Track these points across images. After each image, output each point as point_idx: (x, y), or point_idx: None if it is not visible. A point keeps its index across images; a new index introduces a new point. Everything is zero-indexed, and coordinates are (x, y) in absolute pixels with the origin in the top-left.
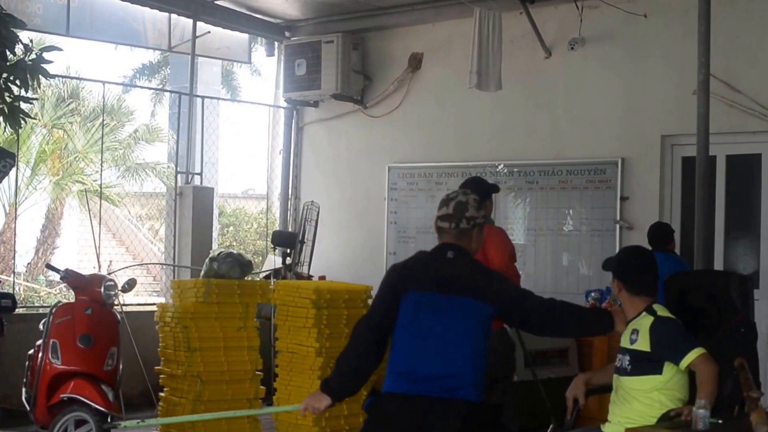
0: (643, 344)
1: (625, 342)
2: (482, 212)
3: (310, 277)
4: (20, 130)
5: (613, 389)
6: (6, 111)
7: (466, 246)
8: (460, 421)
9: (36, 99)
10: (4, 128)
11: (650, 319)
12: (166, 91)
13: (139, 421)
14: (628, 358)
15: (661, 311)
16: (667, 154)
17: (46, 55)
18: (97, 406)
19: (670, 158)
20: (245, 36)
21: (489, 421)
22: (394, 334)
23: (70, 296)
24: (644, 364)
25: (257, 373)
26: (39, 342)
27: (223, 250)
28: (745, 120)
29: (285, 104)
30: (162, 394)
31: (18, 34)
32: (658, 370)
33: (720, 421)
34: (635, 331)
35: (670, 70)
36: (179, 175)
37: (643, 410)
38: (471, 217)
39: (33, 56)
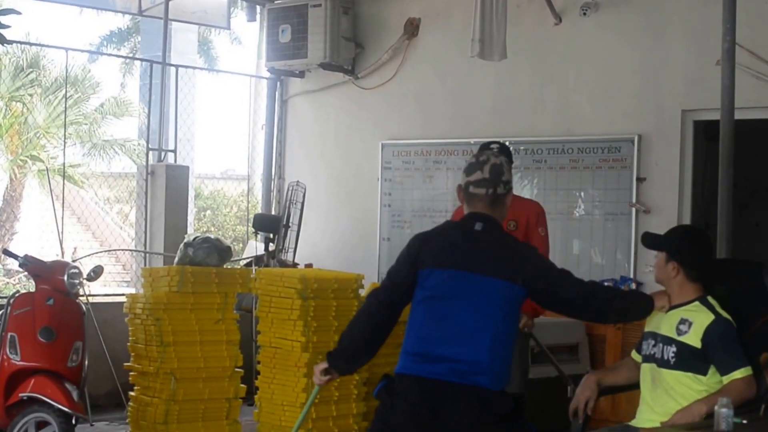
0: (694, 339)
1: (669, 331)
2: (511, 175)
3: (295, 265)
4: None
5: (644, 380)
6: None
7: (497, 215)
8: (476, 408)
9: None
10: None
11: (709, 315)
12: (137, 59)
13: None
14: (674, 349)
15: (720, 308)
16: (688, 130)
17: (2, 19)
18: (60, 407)
19: (691, 135)
20: None
21: (509, 412)
22: (411, 311)
23: (29, 285)
24: (691, 361)
25: (237, 370)
26: None
27: (199, 235)
28: None
29: (268, 74)
30: (132, 393)
31: None
32: (703, 371)
33: (744, 421)
34: (685, 322)
35: (692, 38)
36: (151, 153)
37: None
38: (507, 180)
39: None
